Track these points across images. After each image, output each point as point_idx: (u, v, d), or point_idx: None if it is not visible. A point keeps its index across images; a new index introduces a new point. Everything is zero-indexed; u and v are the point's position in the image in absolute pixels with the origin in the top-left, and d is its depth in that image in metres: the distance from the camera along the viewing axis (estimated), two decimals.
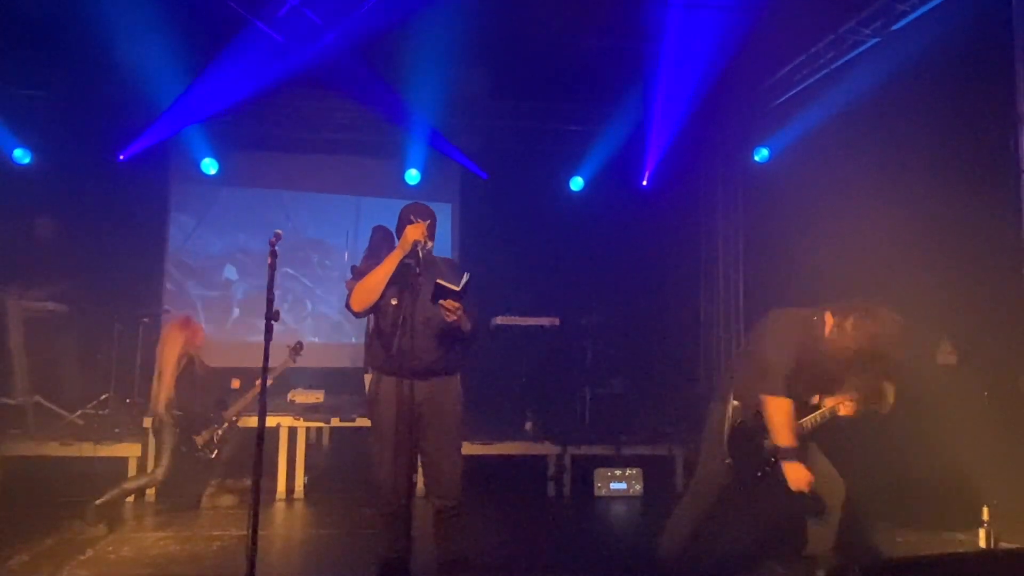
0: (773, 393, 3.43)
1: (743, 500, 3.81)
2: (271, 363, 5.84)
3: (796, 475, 3.38)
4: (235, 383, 5.68)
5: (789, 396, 3.44)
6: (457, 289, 3.25)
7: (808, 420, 3.56)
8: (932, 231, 5.44)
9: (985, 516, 4.14)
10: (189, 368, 5.32)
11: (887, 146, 5.96)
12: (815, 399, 3.63)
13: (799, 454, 3.42)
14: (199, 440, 5.30)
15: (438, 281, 3.26)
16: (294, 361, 5.72)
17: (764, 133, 7.80)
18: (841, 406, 3.54)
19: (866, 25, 6.03)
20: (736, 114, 8.07)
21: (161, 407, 5.14)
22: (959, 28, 5.31)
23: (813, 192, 6.39)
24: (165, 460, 5.13)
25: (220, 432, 5.40)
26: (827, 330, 3.50)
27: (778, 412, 3.43)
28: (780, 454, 3.42)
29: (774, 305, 3.78)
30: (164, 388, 5.15)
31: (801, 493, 3.41)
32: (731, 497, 3.68)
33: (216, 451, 5.36)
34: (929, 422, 5.28)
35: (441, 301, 3.26)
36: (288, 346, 5.68)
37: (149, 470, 5.38)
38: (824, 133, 6.69)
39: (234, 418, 5.50)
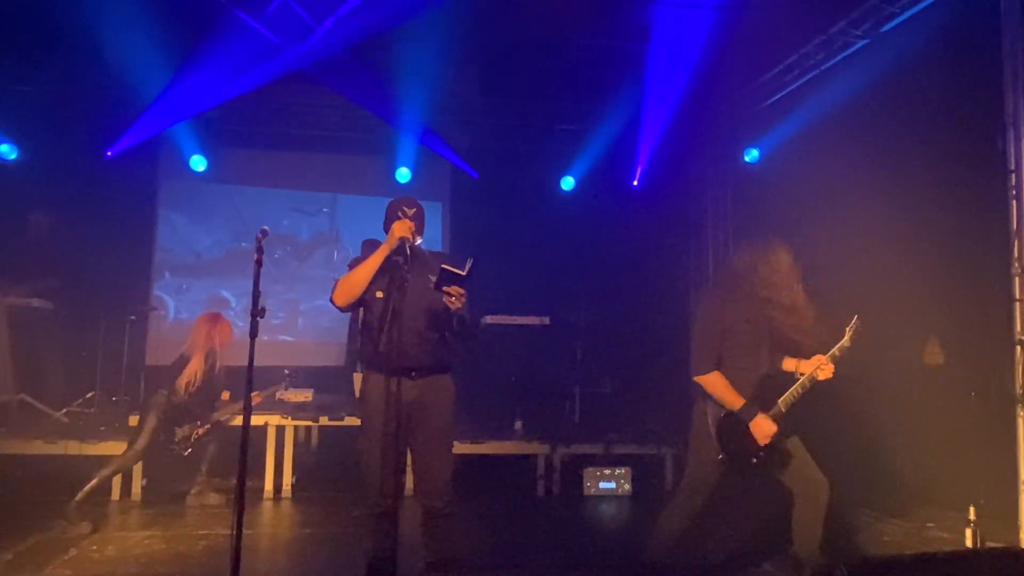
0: (700, 373, 3.52)
1: (732, 496, 3.80)
2: (266, 389, 5.97)
3: (761, 429, 3.44)
4: (225, 395, 5.69)
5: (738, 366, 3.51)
6: (463, 273, 3.23)
7: (789, 395, 3.52)
8: (921, 232, 5.47)
9: (972, 515, 4.17)
10: (208, 362, 5.37)
11: (876, 147, 5.98)
12: (789, 365, 3.61)
13: (752, 409, 3.46)
14: (179, 432, 5.27)
15: (443, 266, 3.23)
16: (285, 389, 5.99)
17: (754, 134, 7.81)
18: (819, 370, 3.50)
19: (856, 27, 6.04)
20: (726, 115, 8.09)
21: (181, 386, 5.26)
22: (948, 30, 5.34)
23: (803, 193, 6.41)
24: (140, 443, 5.11)
25: (200, 431, 5.37)
26: (735, 281, 3.62)
27: (715, 387, 3.51)
28: (740, 415, 3.46)
29: None
30: (187, 372, 5.28)
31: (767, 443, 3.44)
32: (722, 494, 3.68)
33: (190, 449, 5.33)
34: (916, 421, 5.31)
35: (445, 287, 3.24)
36: (286, 372, 5.94)
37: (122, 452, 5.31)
38: (814, 134, 6.71)
39: (217, 423, 5.49)
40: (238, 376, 5.63)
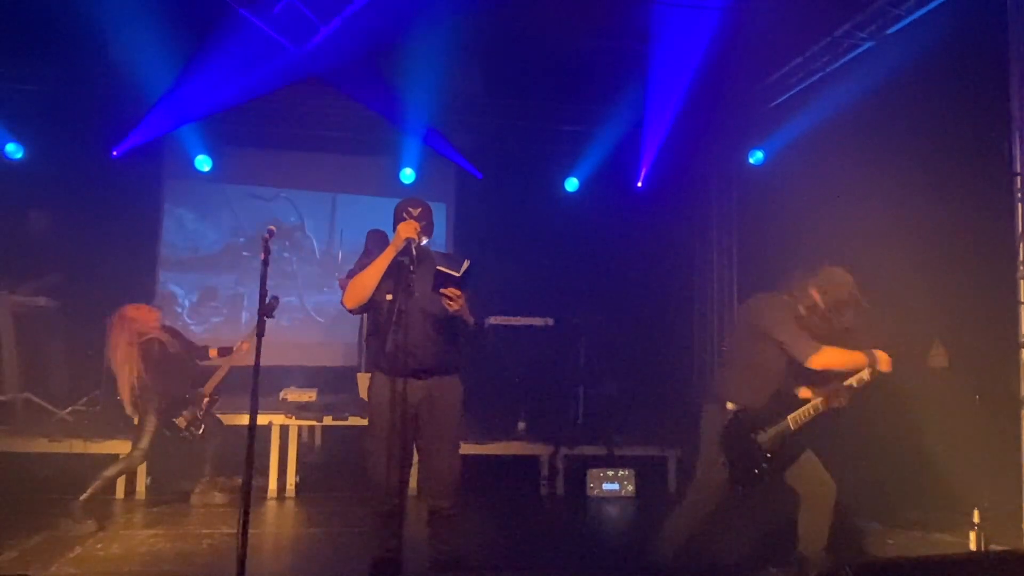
0: (813, 352, 3.45)
1: (738, 500, 3.80)
2: (248, 326, 5.67)
3: (883, 359, 3.46)
4: (212, 352, 5.63)
5: (790, 383, 3.49)
6: (457, 275, 3.23)
7: (799, 413, 3.51)
8: (925, 234, 5.46)
9: (976, 518, 4.16)
10: (155, 352, 5.20)
11: (881, 149, 5.97)
12: (804, 392, 3.60)
13: (868, 352, 3.46)
14: (180, 422, 5.25)
15: (438, 268, 3.24)
16: (272, 316, 5.61)
17: (759, 135, 7.81)
18: (834, 397, 3.49)
19: (861, 28, 6.04)
20: (731, 116, 8.09)
21: (127, 401, 5.11)
22: (954, 32, 5.33)
23: (807, 195, 6.40)
24: (144, 443, 5.08)
25: (200, 412, 5.35)
26: (812, 301, 3.60)
27: (832, 357, 3.47)
28: (870, 366, 3.46)
29: None
30: (120, 383, 5.10)
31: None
32: (728, 498, 3.67)
33: (202, 427, 5.31)
34: (920, 424, 5.30)
35: (442, 289, 3.24)
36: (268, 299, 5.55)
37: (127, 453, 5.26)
38: (819, 136, 6.70)
39: (215, 392, 5.46)
40: (196, 354, 5.66)
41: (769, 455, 3.49)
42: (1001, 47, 4.80)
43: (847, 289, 3.57)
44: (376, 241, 6.49)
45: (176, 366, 5.30)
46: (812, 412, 3.51)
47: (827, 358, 3.45)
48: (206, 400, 5.39)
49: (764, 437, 3.49)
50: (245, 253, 8.80)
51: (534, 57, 7.16)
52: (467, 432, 5.81)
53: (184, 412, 5.28)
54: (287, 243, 8.90)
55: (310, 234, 8.98)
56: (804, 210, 6.39)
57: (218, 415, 5.59)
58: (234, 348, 5.53)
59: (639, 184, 8.27)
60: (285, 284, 8.70)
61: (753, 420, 3.51)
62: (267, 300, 5.43)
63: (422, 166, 8.49)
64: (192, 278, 8.73)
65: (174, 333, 5.49)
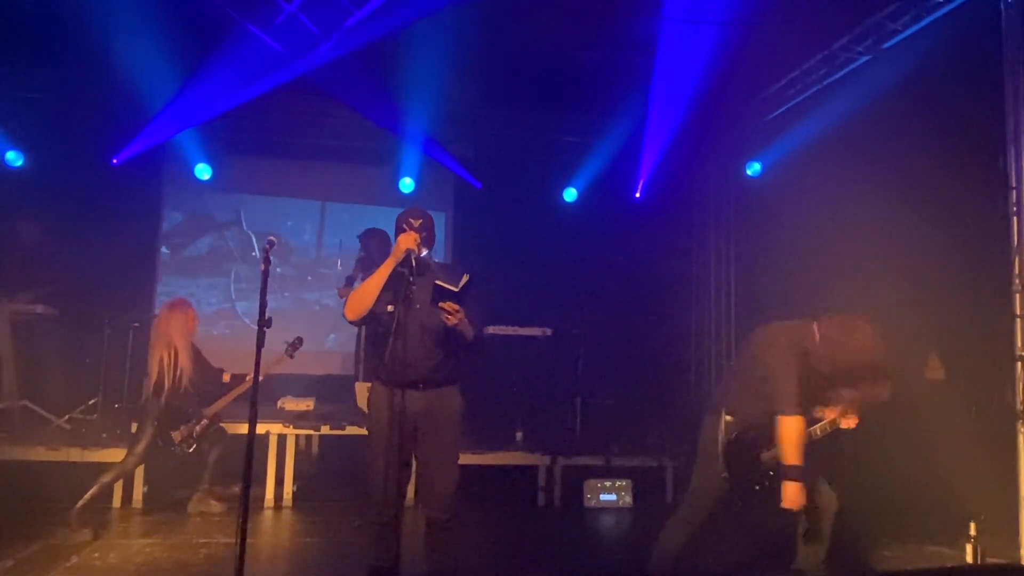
0: (788, 413, 3.38)
1: (736, 513, 3.80)
2: (267, 359, 5.79)
3: (794, 495, 3.33)
4: (226, 376, 5.64)
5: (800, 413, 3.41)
6: (455, 290, 3.24)
7: (810, 431, 3.51)
8: (922, 247, 5.48)
9: (972, 531, 4.17)
10: (170, 356, 5.23)
11: (878, 162, 6.01)
12: (817, 411, 3.61)
13: (802, 473, 3.35)
14: (176, 436, 5.24)
15: (436, 282, 3.26)
16: (291, 357, 5.59)
17: (756, 147, 7.85)
18: (843, 419, 3.49)
19: (858, 43, 6.09)
20: (729, 128, 8.13)
21: (155, 387, 5.16)
22: (950, 47, 5.38)
23: (804, 206, 6.44)
24: (139, 448, 5.08)
25: (198, 429, 5.34)
26: (815, 341, 3.48)
27: (792, 431, 3.38)
28: (785, 472, 3.36)
29: (765, 318, 3.79)
30: (152, 373, 5.16)
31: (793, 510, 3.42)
32: (724, 510, 3.68)
33: (194, 446, 5.29)
34: (917, 437, 5.31)
35: (441, 303, 3.26)
36: (286, 342, 5.56)
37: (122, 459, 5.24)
38: (816, 149, 6.74)
39: (216, 416, 5.45)
40: (214, 372, 5.65)
41: (772, 473, 3.49)
42: (997, 61, 4.84)
43: (852, 345, 3.40)
44: (371, 239, 6.50)
45: (189, 378, 5.31)
46: (819, 432, 3.51)
47: (788, 427, 3.37)
48: (205, 421, 5.39)
49: (768, 456, 3.50)
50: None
51: (533, 68, 7.20)
52: (464, 441, 5.80)
53: (182, 427, 5.28)
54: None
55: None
56: (801, 221, 6.42)
57: (220, 424, 5.59)
58: (247, 377, 5.51)
59: (637, 195, 8.31)
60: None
61: (758, 437, 3.51)
62: (292, 340, 5.57)
63: (421, 176, 8.51)
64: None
65: (195, 350, 5.50)
